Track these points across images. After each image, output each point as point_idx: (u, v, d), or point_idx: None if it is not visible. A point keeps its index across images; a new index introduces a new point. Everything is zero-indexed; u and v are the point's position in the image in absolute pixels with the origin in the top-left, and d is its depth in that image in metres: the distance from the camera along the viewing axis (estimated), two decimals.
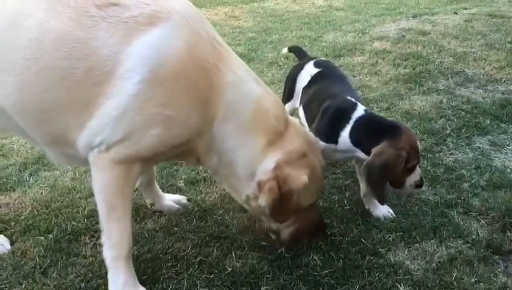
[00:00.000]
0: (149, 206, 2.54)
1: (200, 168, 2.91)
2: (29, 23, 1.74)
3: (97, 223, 2.40)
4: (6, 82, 1.79)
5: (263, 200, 1.96)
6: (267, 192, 1.94)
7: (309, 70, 2.82)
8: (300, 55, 3.35)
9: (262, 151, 1.95)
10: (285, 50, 3.74)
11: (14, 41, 1.75)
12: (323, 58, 3.34)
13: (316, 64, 2.86)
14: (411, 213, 2.50)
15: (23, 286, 2.03)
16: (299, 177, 1.98)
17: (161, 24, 1.76)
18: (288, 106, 2.87)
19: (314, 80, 2.75)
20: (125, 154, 1.82)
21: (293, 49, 3.59)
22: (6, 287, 2.02)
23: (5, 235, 2.31)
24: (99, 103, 1.74)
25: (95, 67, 1.72)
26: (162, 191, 2.64)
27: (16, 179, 2.83)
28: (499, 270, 2.13)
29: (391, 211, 2.49)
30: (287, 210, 2.04)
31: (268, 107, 1.99)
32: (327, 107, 2.39)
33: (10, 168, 2.95)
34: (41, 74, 1.74)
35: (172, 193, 2.67)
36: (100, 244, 2.25)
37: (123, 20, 1.74)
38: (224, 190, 2.68)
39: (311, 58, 3.04)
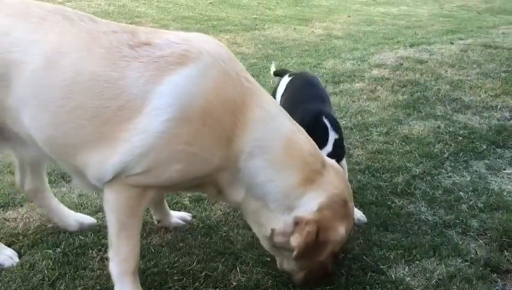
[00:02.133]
0: (156, 223, 2.59)
1: None
2: (66, 62, 1.80)
3: (104, 237, 2.47)
4: (40, 118, 1.85)
5: (296, 241, 1.87)
6: (304, 234, 1.86)
7: (285, 81, 3.10)
8: (284, 72, 3.46)
9: (298, 187, 1.90)
10: (272, 68, 3.95)
11: (51, 79, 1.81)
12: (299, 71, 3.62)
13: (290, 75, 3.16)
14: (411, 232, 2.56)
15: None
16: (339, 230, 1.94)
17: (191, 64, 1.80)
18: None
19: (287, 87, 3.01)
20: (143, 183, 1.85)
21: (278, 72, 3.71)
22: None
23: (13, 249, 2.35)
24: (123, 139, 1.77)
25: (124, 106, 1.77)
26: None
27: (23, 195, 2.87)
28: (497, 288, 2.19)
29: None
30: (314, 258, 1.96)
31: (301, 144, 1.96)
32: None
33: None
34: (73, 112, 1.80)
35: (178, 210, 2.73)
36: (107, 258, 2.31)
37: (154, 59, 1.79)
38: (228, 208, 2.75)
39: (287, 72, 3.34)
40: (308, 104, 2.69)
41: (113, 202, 1.91)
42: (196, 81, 1.79)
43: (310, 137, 2.04)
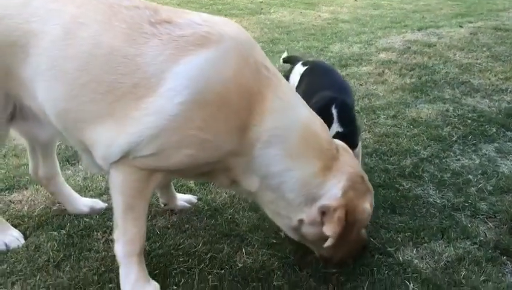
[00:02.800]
0: (162, 206, 2.58)
1: None
2: (85, 34, 1.77)
3: (109, 219, 2.46)
4: (55, 90, 1.82)
5: (330, 230, 1.84)
6: (336, 221, 1.83)
7: (298, 70, 2.93)
8: (295, 60, 3.35)
9: (318, 175, 1.87)
10: (284, 55, 3.83)
11: (68, 50, 1.77)
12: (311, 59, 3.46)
13: (304, 63, 2.99)
14: (419, 215, 2.52)
15: (38, 277, 2.06)
16: (365, 207, 1.94)
17: (211, 47, 1.74)
18: None
19: (302, 77, 2.85)
20: (151, 165, 1.82)
21: (287, 59, 3.62)
22: (21, 278, 2.05)
23: (18, 230, 2.35)
24: (134, 118, 1.73)
25: (139, 84, 1.72)
26: None
27: (28, 177, 2.86)
28: (507, 270, 2.15)
29: None
30: (347, 239, 1.92)
31: (318, 131, 1.94)
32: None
33: (22, 167, 2.99)
34: (88, 85, 1.76)
35: (183, 193, 2.71)
36: (112, 240, 2.30)
37: (174, 38, 1.74)
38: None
39: (300, 59, 3.17)
40: (325, 91, 2.55)
41: (120, 183, 1.87)
42: (215, 65, 1.74)
43: (323, 122, 2.00)
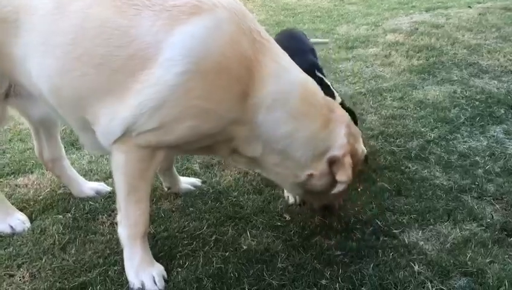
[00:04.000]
0: (166, 190, 2.58)
1: None
2: (74, 8, 1.75)
3: (114, 203, 2.44)
4: (48, 65, 1.80)
5: (344, 176, 1.96)
6: (347, 167, 1.96)
7: None
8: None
9: (322, 130, 1.96)
10: None
11: (59, 24, 1.76)
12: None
13: (277, 35, 3.08)
14: (425, 197, 2.50)
15: (43, 260, 2.07)
16: (362, 148, 2.12)
17: (205, 15, 1.74)
18: None
19: None
20: (153, 142, 1.80)
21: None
22: (27, 261, 2.07)
23: (24, 214, 2.36)
24: (135, 90, 1.71)
25: (135, 55, 1.70)
26: (178, 175, 2.68)
27: (33, 161, 2.87)
28: None
29: None
30: (352, 182, 2.09)
31: (314, 89, 2.02)
32: None
33: (28, 151, 3.00)
34: (80, 59, 1.74)
35: (188, 176, 2.71)
36: (117, 223, 2.31)
37: (167, 8, 1.73)
38: (239, 173, 2.72)
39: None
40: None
41: (122, 164, 1.86)
42: (210, 33, 1.74)
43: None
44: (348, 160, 1.97)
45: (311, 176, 2.00)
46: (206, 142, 1.92)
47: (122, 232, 1.96)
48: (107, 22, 1.72)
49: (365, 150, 2.18)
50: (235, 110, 1.82)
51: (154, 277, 1.94)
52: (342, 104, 2.38)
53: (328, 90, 2.44)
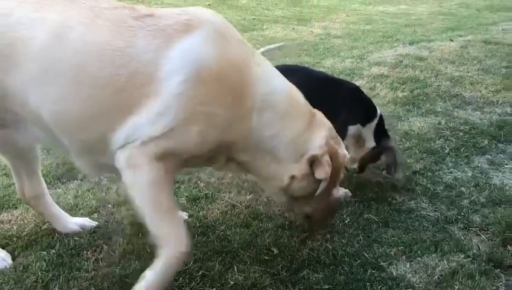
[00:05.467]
0: None
1: (202, 185, 2.94)
2: (74, 36, 1.84)
3: (99, 238, 2.44)
4: (50, 92, 1.85)
5: (321, 173, 2.04)
6: (325, 165, 2.05)
7: None
8: None
9: (305, 132, 2.07)
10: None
11: (60, 52, 1.84)
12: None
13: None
14: (412, 228, 2.51)
15: None
16: (344, 152, 2.20)
17: (196, 31, 1.90)
18: None
19: None
20: (163, 148, 1.85)
21: None
22: None
23: (7, 251, 2.30)
24: (141, 103, 1.82)
25: (137, 72, 1.82)
26: None
27: (17, 197, 2.82)
28: (501, 283, 2.14)
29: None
30: (334, 185, 2.17)
31: (297, 94, 2.14)
32: None
33: (12, 187, 2.94)
34: (86, 82, 1.83)
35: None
36: (102, 259, 2.28)
37: (161, 28, 1.87)
38: (226, 207, 2.71)
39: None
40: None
41: (139, 181, 1.88)
42: (204, 46, 1.90)
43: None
44: (326, 159, 2.05)
45: (293, 178, 2.07)
46: (212, 148, 1.97)
47: (165, 252, 1.88)
48: (106, 45, 1.83)
49: (347, 155, 2.25)
50: (235, 113, 1.94)
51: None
52: None
53: None
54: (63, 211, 2.54)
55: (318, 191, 2.08)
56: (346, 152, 2.23)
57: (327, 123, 2.19)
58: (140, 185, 1.88)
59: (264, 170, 2.10)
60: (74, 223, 2.51)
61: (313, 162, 2.06)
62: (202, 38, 1.90)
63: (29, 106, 1.89)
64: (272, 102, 2.01)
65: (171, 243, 1.89)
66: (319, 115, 2.19)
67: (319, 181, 2.08)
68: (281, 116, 2.03)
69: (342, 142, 2.24)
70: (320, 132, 2.10)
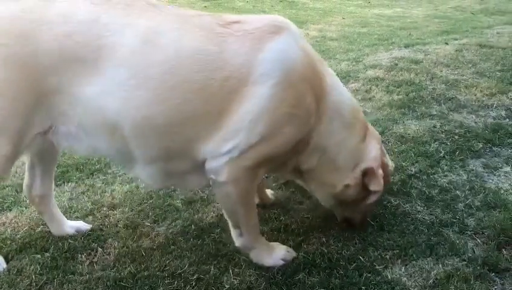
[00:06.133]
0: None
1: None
2: (165, 41, 1.88)
3: (93, 241, 2.43)
4: (136, 98, 1.86)
5: (377, 185, 2.18)
6: (379, 177, 2.18)
7: None
8: None
9: (361, 143, 2.19)
10: None
11: (151, 57, 1.85)
12: None
13: None
14: (407, 232, 2.51)
15: None
16: (389, 162, 2.36)
17: (283, 33, 1.97)
18: None
19: None
20: (258, 158, 1.95)
21: None
22: None
23: (0, 254, 2.30)
24: (232, 110, 1.87)
25: (230, 76, 1.87)
26: (159, 211, 2.67)
27: (12, 199, 2.83)
28: (496, 287, 2.14)
29: None
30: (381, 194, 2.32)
31: (358, 105, 2.28)
32: None
33: (7, 189, 2.95)
34: (178, 87, 1.86)
35: (170, 213, 2.68)
36: (96, 263, 2.27)
37: (249, 32, 1.94)
38: (221, 210, 2.70)
39: None
40: None
41: (235, 193, 2.01)
42: (293, 48, 1.98)
43: None
44: (380, 171, 2.19)
45: (347, 186, 2.20)
46: (290, 154, 2.07)
47: (247, 240, 2.20)
48: (199, 51, 1.88)
49: (393, 165, 2.42)
50: (313, 116, 2.03)
51: (286, 250, 2.25)
52: None
53: None
54: (61, 214, 2.53)
55: (369, 201, 2.24)
56: (391, 162, 2.37)
57: (378, 135, 2.30)
58: (240, 195, 2.03)
59: (322, 177, 2.21)
60: (70, 226, 2.50)
61: (367, 173, 2.17)
62: (289, 41, 1.97)
63: (104, 115, 1.88)
64: (341, 111, 2.11)
65: (250, 231, 2.17)
66: (371, 126, 2.31)
67: (369, 191, 2.20)
68: (346, 125, 2.13)
69: (385, 151, 2.37)
70: (374, 144, 2.22)
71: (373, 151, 2.20)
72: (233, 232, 2.23)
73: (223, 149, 1.91)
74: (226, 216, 2.23)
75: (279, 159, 2.08)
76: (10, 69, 1.83)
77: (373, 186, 2.18)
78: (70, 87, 1.87)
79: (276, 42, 1.93)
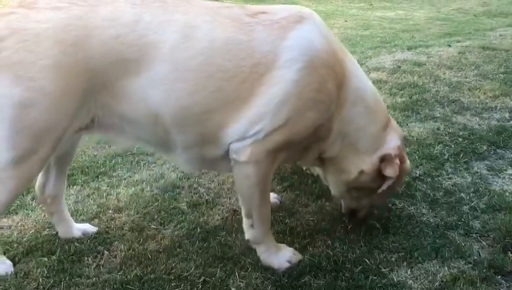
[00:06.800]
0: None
1: (202, 191, 2.94)
2: (200, 34, 2.00)
3: (100, 244, 2.44)
4: (178, 89, 1.99)
5: (391, 172, 2.24)
6: (396, 165, 2.25)
7: None
8: None
9: (382, 130, 2.27)
10: None
11: (189, 51, 1.98)
12: None
13: None
14: (412, 234, 2.51)
15: None
16: (408, 162, 2.41)
17: (307, 22, 2.09)
18: None
19: None
20: (280, 141, 2.04)
21: None
22: None
23: (7, 257, 2.30)
24: (260, 92, 1.98)
25: (258, 63, 1.99)
26: (165, 214, 2.68)
27: (18, 202, 2.83)
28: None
29: None
30: (395, 187, 2.40)
31: (379, 94, 2.35)
32: None
33: None
34: (214, 76, 1.98)
35: (175, 216, 2.69)
36: (103, 265, 2.28)
37: (275, 21, 2.06)
38: (227, 212, 2.71)
39: None
40: None
41: (253, 174, 2.08)
42: (316, 35, 2.08)
43: None
44: (397, 161, 2.25)
45: (361, 172, 2.27)
46: (311, 139, 2.16)
47: (257, 233, 2.24)
48: (230, 40, 2.00)
49: (410, 166, 2.48)
50: (334, 102, 2.11)
51: (293, 253, 2.28)
52: None
53: None
54: (70, 216, 2.54)
55: (381, 189, 2.27)
56: (409, 164, 2.44)
57: (401, 130, 2.38)
58: (258, 178, 2.09)
59: (341, 162, 2.29)
60: (77, 228, 2.51)
61: (384, 159, 2.24)
62: (313, 28, 2.08)
63: (147, 106, 2.01)
64: (363, 97, 2.20)
65: (262, 222, 2.22)
66: (394, 121, 2.39)
67: (382, 180, 2.26)
68: (369, 111, 2.22)
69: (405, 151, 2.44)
70: (395, 136, 2.31)
71: (393, 142, 2.27)
72: (245, 223, 2.26)
73: (250, 132, 2.01)
74: (240, 202, 2.25)
75: (299, 144, 2.17)
76: (62, 75, 1.91)
77: (388, 172, 2.23)
78: (116, 83, 1.98)
79: (300, 30, 2.04)
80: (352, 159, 2.26)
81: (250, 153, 2.03)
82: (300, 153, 2.28)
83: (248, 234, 2.27)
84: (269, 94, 1.98)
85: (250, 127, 2.01)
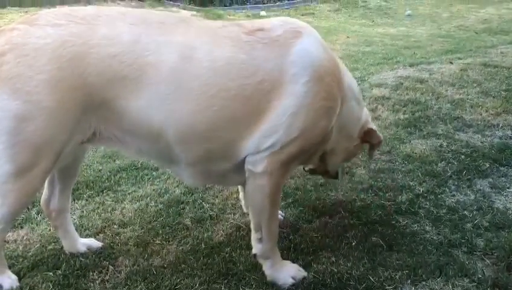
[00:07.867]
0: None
1: (206, 206, 2.96)
2: (199, 55, 2.02)
3: (105, 259, 2.45)
4: (180, 109, 2.02)
5: (380, 137, 2.62)
6: (379, 134, 2.63)
7: None
8: None
9: (362, 112, 2.52)
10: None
11: (190, 71, 2.01)
12: None
13: None
14: (416, 252, 2.52)
15: None
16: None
17: (304, 36, 2.17)
18: None
19: None
20: (295, 151, 2.12)
21: None
22: None
23: (13, 271, 2.31)
24: (270, 107, 2.06)
25: (263, 80, 2.05)
26: (169, 229, 2.69)
27: (23, 216, 2.85)
28: None
29: None
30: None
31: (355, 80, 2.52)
32: None
33: None
34: (216, 95, 2.01)
35: (179, 231, 2.70)
36: (108, 281, 2.29)
37: (274, 38, 2.12)
38: (231, 228, 2.72)
39: None
40: None
41: (267, 185, 2.13)
42: (315, 47, 2.18)
43: None
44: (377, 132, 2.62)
45: (356, 146, 2.56)
46: (322, 144, 2.30)
47: (265, 247, 2.27)
48: (232, 60, 2.04)
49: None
50: (337, 103, 2.22)
51: (297, 269, 2.32)
52: None
53: None
54: (75, 231, 2.56)
55: (374, 151, 2.74)
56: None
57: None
58: (272, 189, 2.14)
59: (339, 148, 2.47)
60: (82, 243, 2.52)
61: (369, 133, 2.55)
62: (312, 40, 2.18)
63: (149, 125, 2.04)
64: (353, 92, 2.38)
65: (272, 236, 2.26)
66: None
67: (357, 148, 2.60)
68: (358, 102, 2.44)
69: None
70: (366, 113, 2.58)
71: (369, 118, 2.59)
72: (253, 237, 2.29)
73: (265, 144, 2.07)
74: (251, 215, 2.28)
75: (311, 151, 2.29)
76: (61, 90, 1.94)
77: (376, 139, 2.61)
78: (115, 101, 2.00)
79: (301, 44, 2.12)
80: (348, 142, 2.49)
81: (267, 164, 2.09)
82: (309, 157, 2.38)
83: (256, 249, 2.29)
84: (280, 108, 2.05)
85: (264, 140, 2.07)
